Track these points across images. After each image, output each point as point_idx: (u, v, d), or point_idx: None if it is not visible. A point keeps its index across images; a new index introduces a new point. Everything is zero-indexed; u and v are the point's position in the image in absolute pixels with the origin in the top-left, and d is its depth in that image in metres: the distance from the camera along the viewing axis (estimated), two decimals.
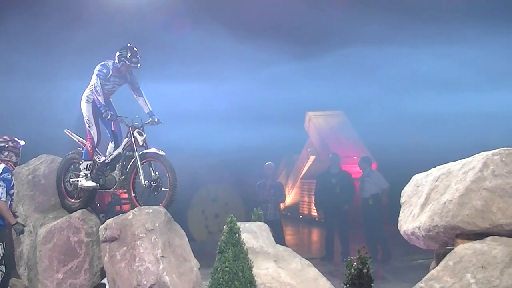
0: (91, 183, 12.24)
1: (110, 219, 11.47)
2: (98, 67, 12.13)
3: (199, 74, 21.12)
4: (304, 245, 19.56)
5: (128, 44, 12.05)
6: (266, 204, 17.86)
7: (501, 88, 19.26)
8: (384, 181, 18.53)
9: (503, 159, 8.60)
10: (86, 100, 12.25)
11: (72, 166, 12.76)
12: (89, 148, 12.25)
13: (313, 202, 23.67)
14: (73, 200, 12.63)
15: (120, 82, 12.31)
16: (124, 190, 12.17)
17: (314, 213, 25.73)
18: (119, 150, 12.15)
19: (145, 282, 10.84)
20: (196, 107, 19.78)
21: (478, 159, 8.76)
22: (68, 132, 12.75)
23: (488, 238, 8.36)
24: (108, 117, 11.89)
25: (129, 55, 11.96)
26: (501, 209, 8.34)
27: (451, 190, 8.69)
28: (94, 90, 12.02)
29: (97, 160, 12.36)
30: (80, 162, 12.42)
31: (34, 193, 12.79)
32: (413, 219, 9.05)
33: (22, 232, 11.86)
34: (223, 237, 9.67)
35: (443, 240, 8.80)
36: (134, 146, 11.83)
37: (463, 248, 8.31)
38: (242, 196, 19.65)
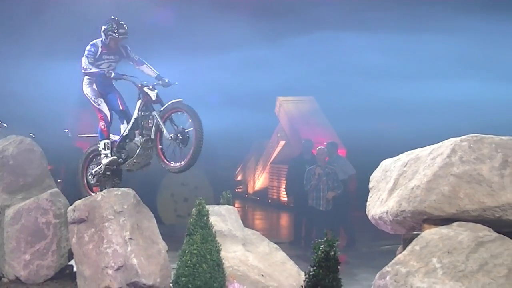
0: (109, 158, 11.80)
1: (79, 201, 11.44)
2: (88, 47, 11.66)
3: (166, 54, 20.92)
4: (272, 230, 19.61)
5: (112, 17, 11.65)
6: (318, 193, 17.17)
7: (469, 76, 19.37)
8: (351, 167, 18.58)
9: (471, 145, 8.65)
10: (88, 83, 11.88)
11: (94, 159, 12.39)
12: (103, 126, 11.82)
13: (283, 187, 23.77)
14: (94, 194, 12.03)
15: (115, 59, 11.88)
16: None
17: (283, 198, 25.80)
18: (134, 115, 11.66)
19: (113, 264, 10.84)
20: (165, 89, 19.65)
21: (447, 145, 8.80)
22: (81, 135, 12.84)
23: (455, 224, 8.41)
24: (112, 76, 11.48)
25: (115, 26, 11.52)
26: (468, 195, 8.39)
27: (419, 175, 8.73)
28: (83, 69, 11.56)
29: (114, 139, 11.96)
30: (99, 148, 11.99)
31: (2, 173, 12.68)
32: (381, 204, 9.09)
33: None
34: (191, 219, 9.68)
35: (410, 225, 8.85)
36: (147, 100, 11.42)
37: (430, 233, 8.36)
38: (212, 179, 19.66)
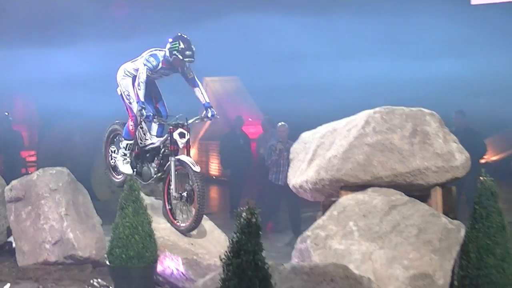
0: (128, 169, 10.69)
1: (15, 180, 11.38)
2: (148, 56, 10.35)
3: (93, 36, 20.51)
4: None
5: (179, 34, 10.24)
6: (278, 168, 15.88)
7: (382, 56, 19.60)
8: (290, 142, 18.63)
9: (383, 116, 8.83)
10: (126, 74, 10.62)
11: (116, 138, 11.21)
12: (131, 127, 10.60)
13: (212, 161, 23.87)
14: (119, 176, 11.14)
15: (169, 73, 10.59)
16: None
17: (213, 172, 25.84)
18: (160, 142, 10.47)
19: (50, 239, 10.89)
20: (90, 72, 19.30)
21: (361, 117, 8.97)
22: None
23: (369, 189, 8.60)
24: (143, 118, 10.19)
25: (181, 47, 10.07)
26: (381, 163, 8.58)
27: (336, 146, 8.88)
28: (137, 82, 10.19)
29: (139, 142, 10.71)
30: (121, 140, 10.91)
31: None
32: (301, 173, 9.22)
33: None
34: (123, 194, 9.66)
35: (329, 192, 9.00)
36: (172, 150, 10.16)
37: (347, 199, 8.53)
38: None
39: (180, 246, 10.15)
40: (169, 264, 10.08)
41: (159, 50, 10.38)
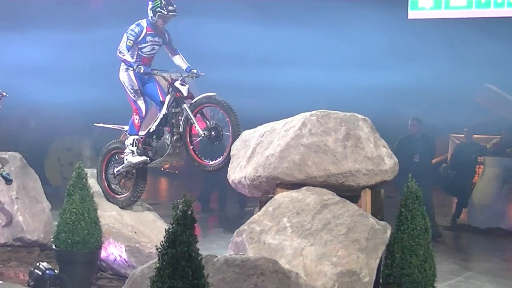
0: (140, 158, 10.10)
1: None
2: (131, 27, 10.00)
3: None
4: (149, 191, 19.44)
5: None
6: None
7: (317, 64, 19.62)
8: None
9: (319, 119, 8.82)
10: (126, 69, 10.10)
11: (116, 156, 10.66)
12: (136, 121, 10.13)
13: None
14: (118, 196, 10.61)
15: (159, 42, 10.14)
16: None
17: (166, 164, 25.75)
18: (163, 111, 9.99)
19: (0, 221, 10.72)
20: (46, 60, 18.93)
21: (298, 119, 8.95)
22: (98, 124, 10.81)
23: (304, 188, 8.57)
24: (141, 71, 9.77)
25: (164, 3, 9.82)
26: (315, 163, 8.56)
27: (274, 145, 8.86)
28: (119, 51, 9.86)
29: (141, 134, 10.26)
30: (126, 143, 10.29)
31: None
32: (240, 170, 9.18)
33: None
34: (71, 181, 9.58)
35: (266, 189, 8.97)
36: (179, 97, 9.81)
37: (282, 196, 8.50)
38: (94, 146, 19.38)
39: (124, 233, 10.11)
40: (113, 251, 10.04)
41: (141, 19, 10.07)
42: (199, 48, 16.78)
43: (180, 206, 5.32)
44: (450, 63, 19.65)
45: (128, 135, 10.30)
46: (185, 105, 9.74)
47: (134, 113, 10.21)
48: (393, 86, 18.58)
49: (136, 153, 10.17)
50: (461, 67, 19.46)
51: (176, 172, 22.95)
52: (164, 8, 9.85)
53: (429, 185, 14.41)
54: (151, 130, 10.18)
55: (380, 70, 19.19)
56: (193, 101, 9.76)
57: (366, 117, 9.00)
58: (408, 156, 14.29)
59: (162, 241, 5.33)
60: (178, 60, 10.25)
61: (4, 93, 10.46)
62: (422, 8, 18.98)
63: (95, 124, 10.94)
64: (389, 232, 8.07)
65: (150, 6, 9.95)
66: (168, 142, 9.99)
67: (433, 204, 14.72)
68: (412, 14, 19.04)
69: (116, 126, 10.74)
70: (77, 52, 19.43)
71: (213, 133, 9.66)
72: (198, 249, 5.34)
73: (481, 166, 16.77)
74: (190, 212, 5.31)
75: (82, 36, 19.13)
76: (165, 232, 5.32)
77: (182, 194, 5.41)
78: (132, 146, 10.18)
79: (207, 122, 9.76)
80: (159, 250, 5.31)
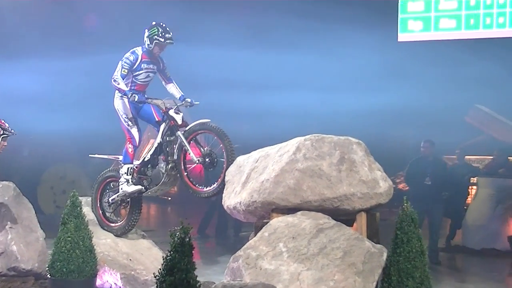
0: (135, 187, 10.08)
1: None
2: (126, 55, 10.02)
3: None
4: (142, 218, 19.46)
5: (154, 23, 9.98)
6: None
7: (305, 88, 19.66)
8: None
9: (314, 144, 8.85)
10: (120, 96, 10.12)
11: (111, 185, 10.66)
12: (130, 150, 10.12)
13: None
14: (113, 224, 10.59)
15: (153, 69, 10.15)
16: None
17: None
18: (158, 140, 9.97)
19: None
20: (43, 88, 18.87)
21: (292, 143, 8.98)
22: (93, 155, 10.87)
23: (299, 213, 8.59)
24: (136, 100, 9.76)
25: (161, 31, 9.87)
26: (310, 188, 8.58)
27: (269, 170, 8.87)
28: (113, 79, 9.89)
29: (135, 163, 10.24)
30: (120, 172, 10.28)
31: None
32: (235, 195, 9.18)
33: None
34: (65, 209, 9.57)
35: (261, 214, 8.98)
36: (174, 125, 9.80)
37: (277, 221, 8.51)
38: (88, 174, 19.36)
39: (119, 261, 10.08)
40: (108, 279, 10.00)
41: (137, 47, 10.10)
42: (191, 74, 16.82)
43: (178, 233, 5.34)
44: (441, 84, 19.77)
45: (122, 164, 10.26)
46: (179, 132, 9.74)
47: (128, 142, 10.20)
48: (385, 108, 18.65)
49: (131, 182, 10.15)
50: (452, 88, 19.57)
51: (169, 198, 22.91)
52: (161, 36, 9.91)
53: (440, 209, 14.38)
54: (146, 159, 10.18)
55: (372, 93, 19.26)
56: (187, 128, 9.77)
57: (360, 141, 9.04)
58: (419, 178, 14.39)
59: (160, 269, 5.33)
60: (172, 88, 10.29)
61: (13, 131, 10.31)
62: (411, 30, 19.13)
63: (90, 155, 11.01)
64: (385, 255, 8.08)
65: (146, 34, 10.02)
66: (163, 171, 9.98)
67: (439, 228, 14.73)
68: (402, 37, 19.18)
69: (111, 157, 10.76)
70: (69, 79, 19.41)
71: (207, 159, 9.67)
72: (196, 276, 5.34)
73: (474, 187, 16.79)
74: (188, 239, 5.32)
75: (74, 63, 19.13)
76: (163, 259, 5.33)
77: (179, 221, 5.42)
78: (127, 175, 10.16)
79: (201, 148, 9.79)
80: (157, 277, 5.31)
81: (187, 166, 9.91)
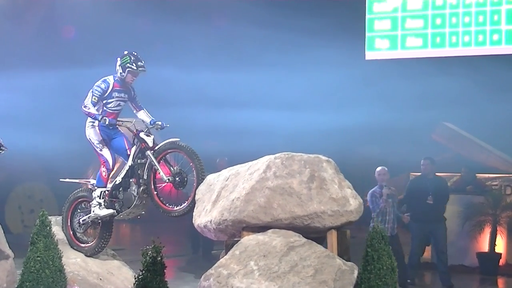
0: (107, 211, 10.10)
1: None
2: (97, 83, 10.09)
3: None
4: (112, 237, 19.40)
5: (126, 52, 10.09)
6: (384, 216, 13.31)
7: (272, 106, 19.72)
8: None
9: (284, 162, 8.91)
10: (91, 125, 10.17)
11: (82, 205, 10.61)
12: (104, 174, 10.14)
13: None
14: (83, 245, 10.55)
15: (124, 98, 10.22)
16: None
17: None
18: (129, 163, 10.02)
19: None
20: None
21: (263, 161, 9.03)
22: (64, 180, 10.75)
23: (270, 231, 8.63)
24: (107, 123, 9.83)
25: (133, 59, 9.99)
26: (281, 206, 8.63)
27: (239, 188, 8.91)
28: (84, 106, 9.95)
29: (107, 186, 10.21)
30: (93, 194, 10.24)
31: None
32: (205, 214, 9.20)
33: None
34: (35, 229, 9.51)
35: (232, 232, 9.00)
36: (144, 147, 9.85)
37: (248, 240, 8.54)
38: (56, 193, 19.24)
39: (89, 280, 10.04)
40: None
41: (108, 76, 10.16)
42: (157, 94, 16.80)
43: (150, 252, 5.35)
44: (408, 101, 19.88)
45: (96, 187, 10.26)
46: (148, 152, 9.80)
47: (102, 166, 10.21)
48: (353, 126, 18.74)
49: (103, 206, 10.15)
50: (419, 105, 19.71)
51: (138, 217, 22.79)
52: (134, 64, 10.01)
53: (443, 228, 14.17)
54: (117, 183, 10.15)
55: (341, 110, 19.35)
56: (156, 148, 9.82)
57: (330, 159, 9.11)
58: (421, 197, 14.21)
59: None
60: (142, 115, 10.30)
61: (6, 148, 10.06)
62: (378, 49, 19.31)
63: (60, 180, 10.90)
64: (356, 272, 8.14)
65: (119, 63, 10.10)
66: (135, 194, 10.04)
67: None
68: (370, 55, 19.36)
69: (82, 181, 10.85)
70: (35, 96, 19.25)
71: (177, 178, 9.71)
72: None
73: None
74: (160, 258, 5.34)
75: (41, 80, 19.00)
76: (134, 278, 5.33)
77: (151, 240, 5.44)
78: (100, 198, 10.15)
79: (171, 168, 9.81)
80: None
81: (157, 185, 9.98)
